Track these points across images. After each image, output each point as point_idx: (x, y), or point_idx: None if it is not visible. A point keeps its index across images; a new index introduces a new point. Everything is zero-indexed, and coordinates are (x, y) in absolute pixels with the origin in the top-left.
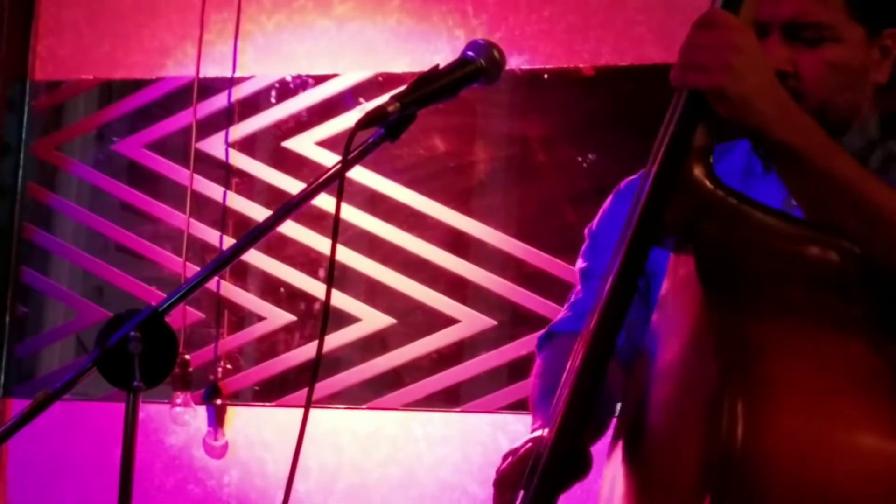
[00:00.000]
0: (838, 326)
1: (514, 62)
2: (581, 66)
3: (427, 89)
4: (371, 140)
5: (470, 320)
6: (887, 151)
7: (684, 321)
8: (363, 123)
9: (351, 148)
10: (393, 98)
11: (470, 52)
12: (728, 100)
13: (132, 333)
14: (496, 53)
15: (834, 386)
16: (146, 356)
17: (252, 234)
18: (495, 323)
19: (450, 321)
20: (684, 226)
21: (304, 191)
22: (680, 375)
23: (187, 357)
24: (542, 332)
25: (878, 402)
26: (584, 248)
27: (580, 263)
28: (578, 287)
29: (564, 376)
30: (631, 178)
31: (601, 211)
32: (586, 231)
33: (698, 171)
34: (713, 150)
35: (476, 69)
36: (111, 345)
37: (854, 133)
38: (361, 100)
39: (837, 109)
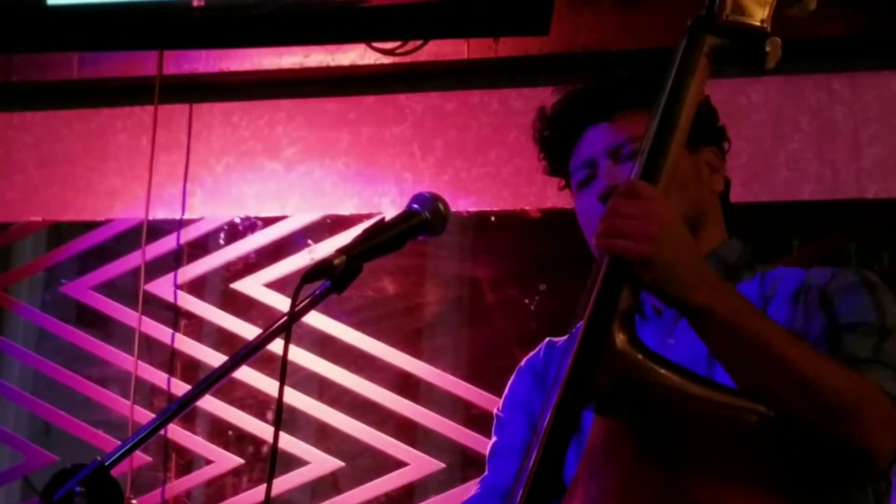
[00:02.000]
0: (767, 490)
1: (462, 204)
2: (527, 208)
3: (372, 242)
4: (318, 292)
5: (419, 463)
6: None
7: (613, 479)
8: (310, 276)
9: (297, 300)
10: (339, 251)
11: (415, 205)
12: (652, 267)
13: (77, 489)
14: (441, 206)
15: None
16: None
17: (203, 384)
18: (444, 465)
19: (399, 464)
20: (610, 391)
21: (252, 341)
22: None
23: (134, 502)
24: None
25: None
26: (494, 426)
27: (492, 440)
28: (489, 462)
29: None
30: (530, 355)
31: (505, 392)
32: (495, 413)
33: (621, 340)
34: (635, 315)
35: (421, 222)
36: (56, 500)
37: (706, 236)
38: (310, 241)
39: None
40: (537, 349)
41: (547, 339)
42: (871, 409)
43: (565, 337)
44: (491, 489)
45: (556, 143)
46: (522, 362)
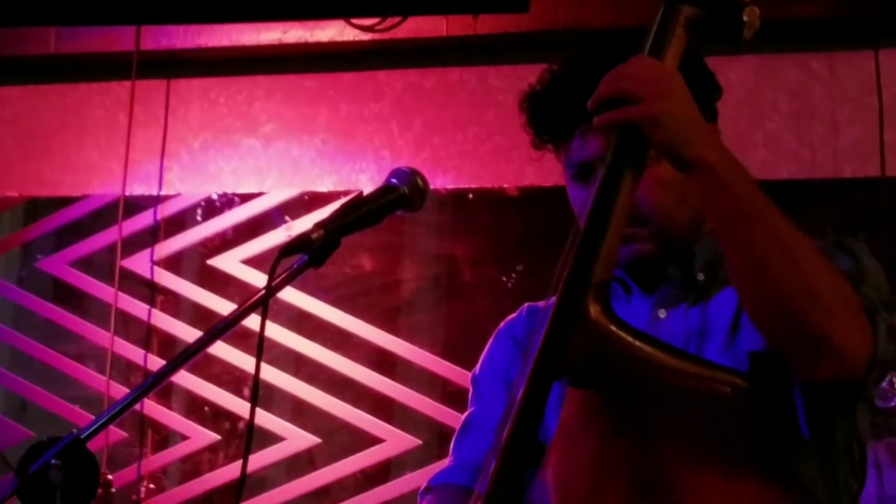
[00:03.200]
0: (740, 462)
1: (440, 182)
2: (506, 186)
3: (351, 217)
4: (295, 266)
5: (396, 439)
6: None
7: (586, 451)
8: (287, 250)
9: (275, 274)
10: (317, 225)
11: (394, 180)
12: (662, 125)
13: (53, 461)
14: (419, 181)
15: None
16: (67, 484)
17: (179, 358)
18: (420, 442)
19: (375, 440)
20: (585, 363)
21: (229, 316)
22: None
23: (110, 477)
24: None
25: None
26: (470, 395)
27: (468, 410)
28: (463, 435)
29: None
30: (510, 318)
31: (483, 355)
32: (471, 377)
33: (595, 310)
34: (610, 286)
35: (399, 196)
36: (31, 473)
37: (705, 244)
38: (287, 218)
39: (682, 225)
40: (518, 312)
41: (526, 304)
42: (850, 309)
43: (541, 302)
44: (464, 464)
45: (548, 129)
46: (502, 325)
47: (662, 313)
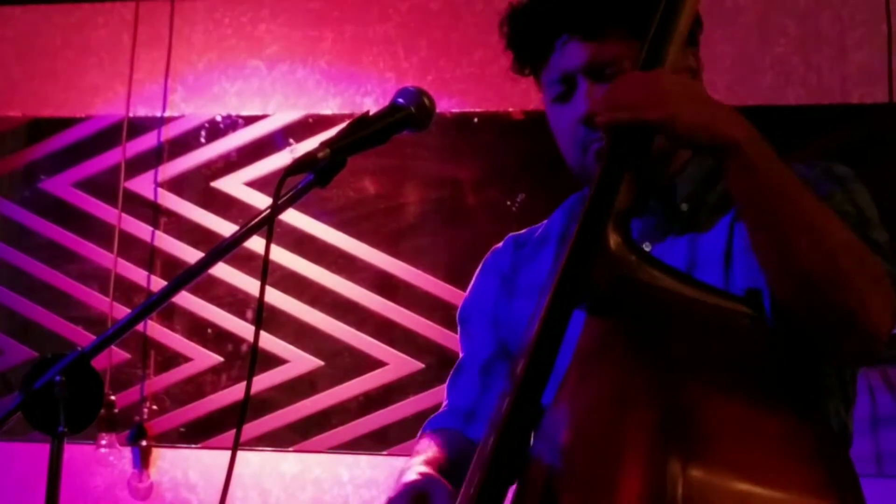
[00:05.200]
0: (758, 391)
1: (445, 105)
2: (511, 110)
3: (357, 136)
4: (300, 185)
5: (397, 363)
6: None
7: (604, 380)
8: (292, 169)
9: (280, 193)
10: (323, 144)
11: (400, 99)
12: (677, 122)
13: (57, 378)
14: (426, 100)
15: (762, 452)
16: (71, 401)
17: (181, 278)
18: (423, 366)
19: (377, 363)
20: (604, 291)
21: (233, 235)
22: (599, 438)
23: (112, 398)
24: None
25: (801, 467)
26: (459, 332)
27: (461, 353)
28: (455, 379)
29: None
30: (495, 248)
31: (469, 290)
32: (458, 313)
33: (615, 241)
34: (630, 216)
35: (406, 116)
36: (36, 389)
37: (686, 174)
38: (291, 141)
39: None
40: (504, 243)
41: (510, 235)
42: (876, 285)
43: (525, 231)
44: (456, 409)
45: (527, 46)
46: (488, 255)
47: (647, 246)
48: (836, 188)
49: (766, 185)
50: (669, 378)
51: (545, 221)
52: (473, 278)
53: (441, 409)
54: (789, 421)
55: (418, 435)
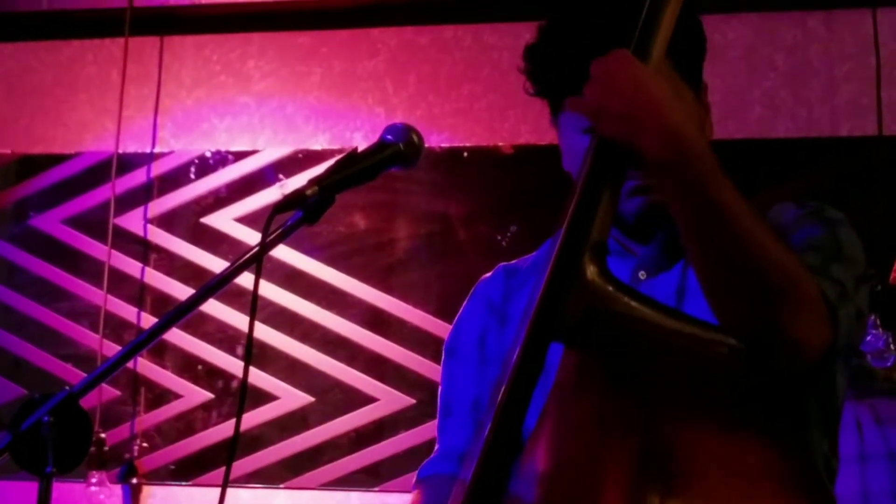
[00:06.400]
0: (738, 423)
1: (434, 140)
2: (500, 144)
3: (345, 173)
4: (289, 223)
5: (389, 398)
6: None
7: (582, 413)
8: (281, 207)
9: (269, 230)
10: (311, 181)
11: (389, 136)
12: (603, 117)
13: (45, 418)
14: (415, 137)
15: (741, 485)
16: (60, 441)
17: (171, 316)
18: (414, 401)
19: (369, 399)
20: (580, 323)
21: (222, 272)
22: (577, 471)
23: (103, 435)
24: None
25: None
26: (442, 371)
27: (440, 388)
28: (445, 421)
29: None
30: (485, 278)
31: (457, 320)
32: (445, 345)
33: (591, 271)
34: (606, 247)
35: (394, 153)
36: (24, 429)
37: None
38: (281, 176)
39: None
40: (494, 272)
41: (501, 264)
42: (808, 300)
43: (517, 261)
44: (449, 452)
45: (550, 91)
46: (477, 284)
47: (643, 275)
48: (821, 226)
49: (699, 203)
50: (647, 411)
51: (536, 251)
52: (462, 308)
53: (434, 454)
54: (770, 454)
55: (413, 485)
